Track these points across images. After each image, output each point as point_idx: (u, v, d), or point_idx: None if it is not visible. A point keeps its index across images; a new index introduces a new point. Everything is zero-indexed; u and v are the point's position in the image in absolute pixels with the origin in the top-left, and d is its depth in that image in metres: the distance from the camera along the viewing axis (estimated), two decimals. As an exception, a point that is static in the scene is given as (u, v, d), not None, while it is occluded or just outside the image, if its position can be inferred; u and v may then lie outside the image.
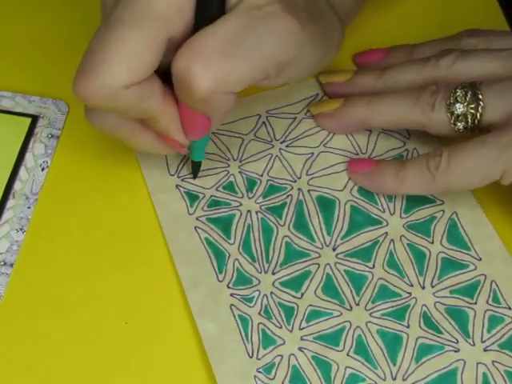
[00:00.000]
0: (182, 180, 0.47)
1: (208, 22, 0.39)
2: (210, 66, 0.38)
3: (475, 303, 0.43)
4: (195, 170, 0.47)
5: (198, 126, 0.41)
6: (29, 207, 0.46)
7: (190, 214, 0.46)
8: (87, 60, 0.38)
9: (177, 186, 0.47)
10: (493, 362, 0.42)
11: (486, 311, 0.43)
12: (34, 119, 0.49)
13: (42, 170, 0.47)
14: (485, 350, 0.42)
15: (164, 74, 0.40)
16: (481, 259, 0.45)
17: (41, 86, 0.50)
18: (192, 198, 0.47)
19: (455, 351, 0.42)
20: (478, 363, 0.42)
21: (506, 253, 0.45)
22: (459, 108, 0.44)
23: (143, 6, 0.38)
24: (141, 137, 0.42)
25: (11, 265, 0.44)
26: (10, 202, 0.46)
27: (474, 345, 0.42)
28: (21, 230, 0.45)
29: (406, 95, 0.46)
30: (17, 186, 0.47)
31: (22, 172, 0.47)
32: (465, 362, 0.42)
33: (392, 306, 0.43)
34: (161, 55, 0.38)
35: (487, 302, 0.43)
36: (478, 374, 0.42)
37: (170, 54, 0.39)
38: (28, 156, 0.48)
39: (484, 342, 0.42)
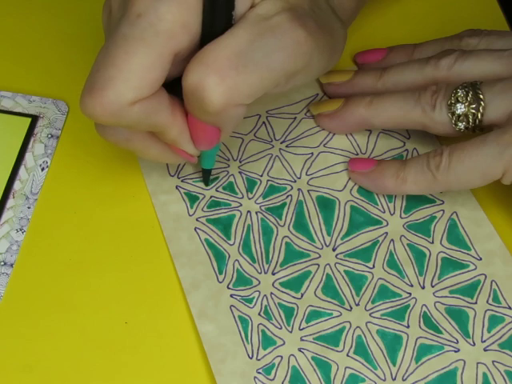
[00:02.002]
0: (182, 181, 0.47)
1: (215, 35, 0.38)
2: (222, 80, 0.38)
3: (475, 303, 0.43)
4: (206, 177, 0.47)
5: (208, 137, 0.41)
6: (29, 207, 0.46)
7: (190, 215, 0.46)
8: (93, 77, 0.38)
9: (177, 186, 0.47)
10: (493, 361, 0.42)
11: (486, 311, 0.43)
12: (34, 119, 0.49)
13: (42, 170, 0.47)
14: (485, 350, 0.42)
15: (170, 84, 0.40)
16: (481, 259, 0.45)
17: (41, 86, 0.50)
18: (192, 198, 0.47)
19: (455, 351, 0.42)
20: (478, 363, 0.42)
21: (506, 253, 0.45)
22: (460, 108, 0.44)
23: (149, 23, 0.37)
24: (152, 148, 0.42)
25: (11, 265, 0.44)
26: (10, 202, 0.46)
27: (474, 345, 0.42)
28: (21, 230, 0.45)
29: (406, 95, 0.46)
30: (17, 185, 0.47)
31: (22, 172, 0.47)
32: (465, 362, 0.42)
33: (392, 306, 0.43)
34: (167, 71, 0.38)
35: (487, 302, 0.43)
36: (478, 373, 0.42)
37: (176, 67, 0.39)
38: (28, 156, 0.48)
39: (484, 341, 0.42)
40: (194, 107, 0.39)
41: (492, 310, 0.43)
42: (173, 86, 0.40)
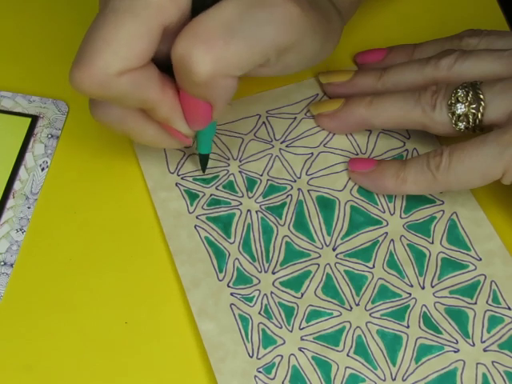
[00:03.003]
0: (182, 178, 0.47)
1: (205, 8, 0.39)
2: (210, 50, 0.38)
3: (475, 303, 0.43)
4: (203, 163, 0.47)
5: (200, 114, 0.41)
6: (29, 207, 0.46)
7: (190, 213, 0.46)
8: (81, 50, 0.38)
9: (176, 184, 0.47)
10: (492, 362, 0.42)
11: (485, 311, 0.43)
12: (34, 119, 0.49)
13: (42, 170, 0.47)
14: (484, 351, 0.42)
15: (164, 64, 0.40)
16: (481, 259, 0.45)
17: (41, 86, 0.50)
18: (192, 196, 0.47)
19: (455, 351, 0.42)
20: (477, 363, 0.42)
21: (506, 253, 0.45)
22: (460, 108, 0.44)
23: None
24: (145, 130, 0.42)
25: (11, 265, 0.45)
26: (10, 202, 0.46)
27: (474, 345, 0.42)
28: (21, 230, 0.45)
29: (406, 95, 0.46)
30: (17, 185, 0.47)
31: (22, 172, 0.47)
32: (464, 363, 0.42)
33: (392, 307, 0.43)
34: (155, 44, 0.38)
35: (487, 303, 0.43)
36: (477, 374, 0.42)
37: (167, 43, 0.39)
38: (28, 156, 0.48)
39: (484, 342, 0.42)
40: (182, 79, 0.39)
41: (492, 311, 0.43)
42: (167, 68, 0.40)
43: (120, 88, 0.38)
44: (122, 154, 0.48)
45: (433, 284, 0.44)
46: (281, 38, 0.39)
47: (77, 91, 0.39)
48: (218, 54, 0.38)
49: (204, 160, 0.47)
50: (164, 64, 0.40)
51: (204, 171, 0.47)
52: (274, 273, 0.44)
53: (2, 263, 0.44)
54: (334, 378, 0.41)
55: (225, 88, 0.39)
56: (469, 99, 0.44)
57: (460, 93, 0.44)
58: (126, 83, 0.38)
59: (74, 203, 0.47)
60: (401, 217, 0.46)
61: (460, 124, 0.44)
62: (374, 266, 0.44)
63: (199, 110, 0.41)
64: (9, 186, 0.47)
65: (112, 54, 0.37)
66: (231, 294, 0.44)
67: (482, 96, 0.44)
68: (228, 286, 0.44)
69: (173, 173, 0.47)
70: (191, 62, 0.38)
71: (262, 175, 0.47)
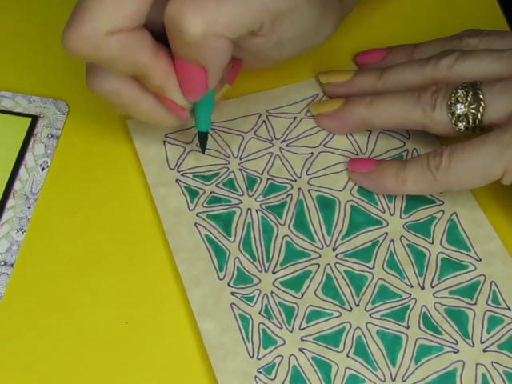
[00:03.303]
0: (182, 175, 0.47)
1: None
2: (201, 9, 0.38)
3: (475, 304, 0.43)
4: (202, 142, 0.47)
5: (194, 81, 0.41)
6: (29, 207, 0.46)
7: (190, 210, 0.46)
8: (72, 13, 0.39)
9: (176, 180, 0.47)
10: (492, 362, 0.42)
11: (485, 312, 0.43)
12: (34, 119, 0.49)
13: (42, 170, 0.47)
14: (484, 351, 0.42)
15: (162, 35, 0.40)
16: (480, 260, 0.45)
17: (41, 86, 0.50)
18: (192, 193, 0.47)
19: (455, 352, 0.42)
20: (477, 364, 0.42)
21: (506, 253, 0.45)
22: (460, 108, 0.44)
23: None
24: (141, 101, 0.42)
25: (11, 265, 0.45)
26: (10, 202, 0.46)
27: (474, 346, 0.42)
28: (21, 230, 0.45)
29: (406, 95, 0.46)
30: (17, 185, 0.47)
31: (22, 172, 0.47)
32: (464, 363, 0.42)
33: (392, 307, 0.43)
34: (146, 6, 0.38)
35: (487, 303, 0.43)
36: (477, 374, 0.42)
37: (160, 11, 0.39)
38: (28, 156, 0.48)
39: (483, 342, 0.42)
40: (175, 41, 0.39)
41: (491, 311, 0.43)
42: (165, 39, 0.40)
43: (110, 49, 0.38)
44: (122, 153, 0.48)
45: (433, 284, 0.44)
46: (273, 2, 0.40)
47: (70, 54, 0.39)
48: (209, 13, 0.38)
49: (203, 138, 0.46)
50: (162, 35, 0.40)
51: (204, 151, 0.47)
52: (274, 272, 0.44)
53: (2, 263, 0.44)
54: (334, 379, 0.41)
55: (217, 50, 0.39)
56: (469, 99, 0.44)
57: (460, 93, 0.44)
58: (117, 44, 0.38)
59: (74, 203, 0.46)
60: (401, 217, 0.46)
61: (460, 124, 0.44)
62: (374, 267, 0.44)
63: (193, 75, 0.41)
64: (9, 186, 0.47)
65: (101, 13, 0.38)
66: (232, 294, 0.44)
67: (481, 96, 0.43)
68: (228, 285, 0.44)
69: (173, 169, 0.47)
70: (182, 22, 0.38)
71: (262, 174, 0.47)
